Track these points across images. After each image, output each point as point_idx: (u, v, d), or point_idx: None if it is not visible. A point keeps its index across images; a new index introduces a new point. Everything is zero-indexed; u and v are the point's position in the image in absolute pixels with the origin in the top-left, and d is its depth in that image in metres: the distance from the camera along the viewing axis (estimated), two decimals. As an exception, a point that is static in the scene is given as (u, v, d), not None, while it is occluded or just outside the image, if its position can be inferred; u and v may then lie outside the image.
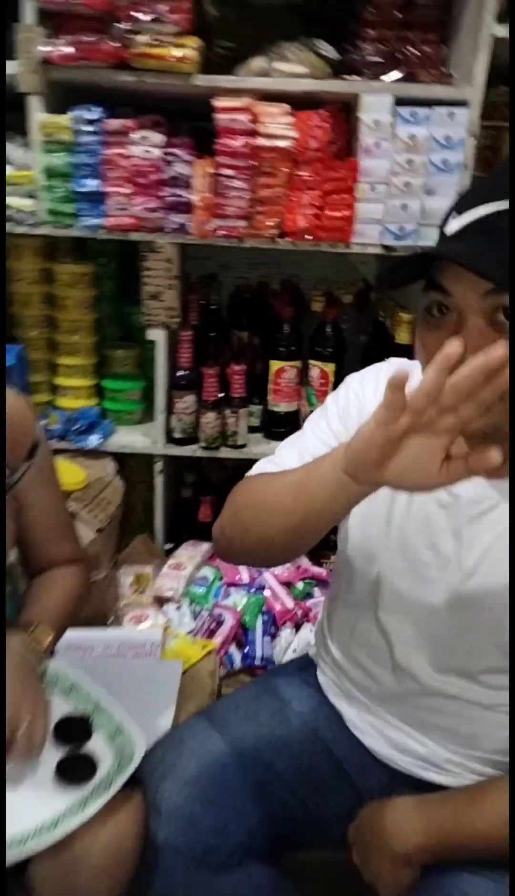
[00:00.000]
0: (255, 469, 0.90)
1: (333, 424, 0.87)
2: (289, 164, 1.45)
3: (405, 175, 1.47)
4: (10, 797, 0.78)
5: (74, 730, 0.88)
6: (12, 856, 0.73)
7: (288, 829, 0.92)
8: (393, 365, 0.90)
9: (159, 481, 1.73)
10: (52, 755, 0.84)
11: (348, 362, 1.66)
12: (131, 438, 1.74)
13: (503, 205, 0.63)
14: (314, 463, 0.70)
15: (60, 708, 0.90)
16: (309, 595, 1.55)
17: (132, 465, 1.78)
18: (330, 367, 1.63)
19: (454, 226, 0.66)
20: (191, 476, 1.93)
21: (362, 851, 0.85)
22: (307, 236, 1.51)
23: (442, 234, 0.69)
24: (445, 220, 0.69)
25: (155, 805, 0.84)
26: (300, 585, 1.55)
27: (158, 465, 1.72)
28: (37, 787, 0.80)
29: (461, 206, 0.67)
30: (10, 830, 0.74)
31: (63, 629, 0.98)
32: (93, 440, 1.69)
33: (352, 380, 0.91)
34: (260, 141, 1.42)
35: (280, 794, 0.91)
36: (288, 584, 1.55)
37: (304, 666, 1.04)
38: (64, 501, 1.09)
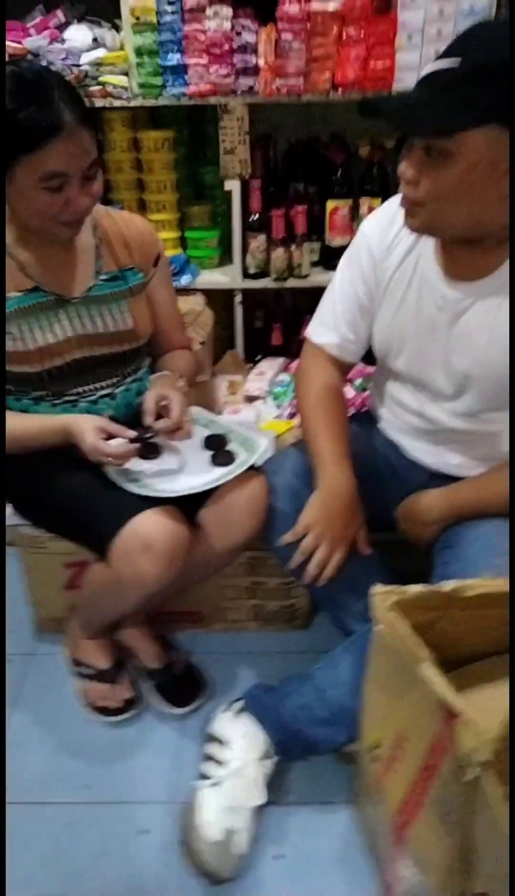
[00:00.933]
0: (310, 330, 1.31)
1: (348, 272, 1.23)
2: (338, 24, 1.74)
3: (437, 23, 1.74)
4: (186, 474, 1.25)
5: (216, 441, 1.34)
6: (194, 488, 1.21)
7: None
8: (394, 201, 1.17)
9: (239, 311, 2.14)
10: (205, 454, 1.30)
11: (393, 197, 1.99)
12: (213, 278, 2.14)
13: (445, 63, 0.89)
14: None
15: (203, 432, 1.36)
16: (364, 389, 1.98)
17: (215, 300, 2.19)
18: (377, 202, 1.97)
19: (438, 64, 0.91)
20: (260, 311, 2.34)
21: (405, 523, 1.29)
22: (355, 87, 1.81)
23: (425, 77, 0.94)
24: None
25: (272, 486, 1.30)
26: (358, 381, 1.98)
27: (238, 297, 2.12)
28: (200, 469, 1.27)
29: (449, 52, 0.93)
30: (191, 483, 1.22)
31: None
32: (184, 280, 2.10)
33: (364, 224, 1.23)
34: (314, 6, 1.70)
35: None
36: (349, 380, 1.98)
37: (366, 418, 1.46)
38: (177, 303, 1.49)
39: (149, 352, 1.41)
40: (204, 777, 1.17)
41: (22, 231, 1.19)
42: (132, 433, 1.18)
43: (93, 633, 1.39)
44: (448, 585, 0.97)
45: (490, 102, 0.87)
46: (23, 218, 1.15)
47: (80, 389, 1.28)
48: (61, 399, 1.26)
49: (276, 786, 1.20)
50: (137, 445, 1.18)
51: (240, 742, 1.18)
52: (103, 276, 1.27)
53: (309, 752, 1.23)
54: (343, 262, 1.27)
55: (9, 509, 1.42)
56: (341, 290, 1.27)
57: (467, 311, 1.12)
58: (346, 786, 1.24)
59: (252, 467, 1.28)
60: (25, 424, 1.22)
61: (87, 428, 1.14)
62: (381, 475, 1.36)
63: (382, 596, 0.96)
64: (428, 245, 1.15)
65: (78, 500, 1.22)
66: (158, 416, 1.23)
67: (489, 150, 0.90)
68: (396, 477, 1.36)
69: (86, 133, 1.07)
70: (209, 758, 1.19)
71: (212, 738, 1.22)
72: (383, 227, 1.20)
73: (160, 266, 1.37)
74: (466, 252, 1.08)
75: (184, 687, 1.40)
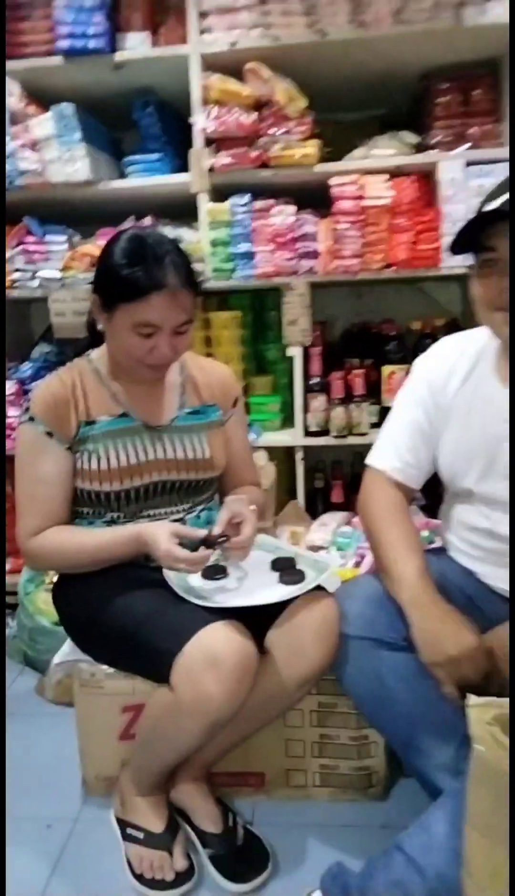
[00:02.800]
0: (371, 457, 1.33)
1: (405, 401, 1.29)
2: (389, 216, 1.99)
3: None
4: (255, 592, 1.20)
5: (284, 562, 1.31)
6: (265, 601, 1.15)
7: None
8: (442, 343, 1.30)
9: (300, 468, 2.20)
10: (272, 575, 1.27)
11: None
12: (277, 437, 2.23)
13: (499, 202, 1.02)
14: None
15: (270, 556, 1.33)
16: (431, 541, 1.92)
17: (276, 458, 2.26)
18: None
19: (492, 205, 1.09)
20: (320, 473, 2.40)
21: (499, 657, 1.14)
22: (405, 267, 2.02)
23: (482, 213, 1.06)
24: (482, 206, 1.11)
25: (343, 613, 1.24)
26: (425, 533, 1.93)
27: (299, 455, 2.19)
28: (268, 588, 1.23)
29: (493, 195, 1.09)
30: (261, 597, 1.17)
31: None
32: (250, 438, 2.19)
33: (417, 363, 1.32)
34: (367, 202, 1.97)
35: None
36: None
37: (436, 552, 1.41)
38: (250, 443, 1.56)
39: (220, 487, 1.45)
40: None
41: (114, 366, 1.31)
42: (204, 532, 1.17)
43: (147, 787, 1.25)
44: (552, 699, 0.86)
45: None
46: (115, 354, 1.27)
47: (153, 512, 1.30)
48: (134, 521, 1.28)
49: None
50: (211, 551, 1.17)
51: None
52: (186, 410, 1.36)
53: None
54: (400, 394, 1.33)
55: (68, 644, 1.37)
56: (400, 417, 1.31)
57: None
58: None
59: (322, 589, 1.23)
60: (96, 536, 1.24)
61: (161, 533, 1.15)
62: (460, 609, 1.28)
63: (479, 710, 0.85)
64: (486, 367, 1.21)
65: (138, 620, 1.18)
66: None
67: None
68: (475, 610, 1.27)
69: (186, 294, 1.21)
70: None
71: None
72: (439, 359, 1.28)
73: (238, 407, 1.47)
74: None
75: (245, 860, 1.21)
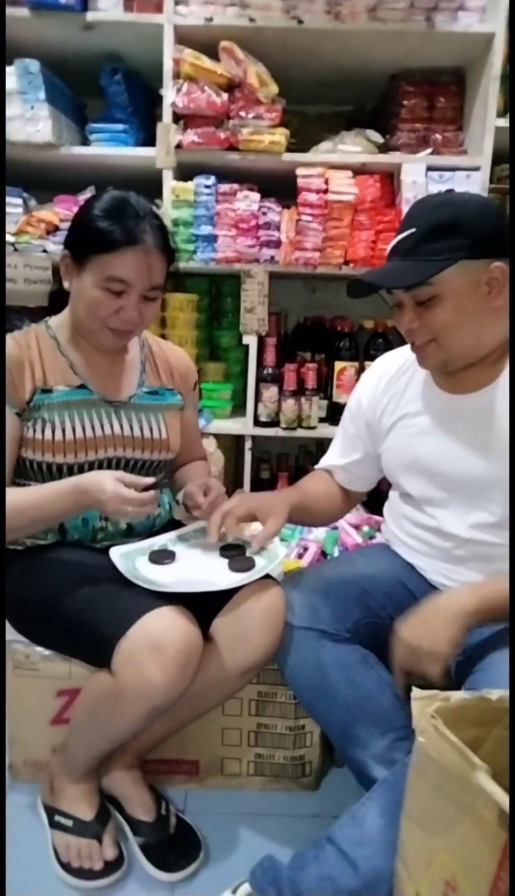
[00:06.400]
0: (322, 464, 1.45)
1: (348, 425, 1.39)
2: (351, 212, 2.00)
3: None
4: (203, 578, 1.19)
5: (233, 549, 1.29)
6: (212, 587, 1.14)
7: (378, 630, 1.30)
8: (384, 358, 1.39)
9: (248, 456, 2.18)
10: (221, 561, 1.25)
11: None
12: (226, 425, 2.21)
13: (405, 234, 1.08)
14: None
15: (219, 543, 1.32)
16: (371, 536, 1.95)
17: (224, 446, 2.24)
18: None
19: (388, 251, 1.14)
20: (266, 465, 2.40)
21: (417, 633, 1.07)
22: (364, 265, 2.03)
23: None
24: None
25: (289, 604, 1.24)
26: (365, 528, 1.95)
27: (248, 444, 2.18)
28: (217, 574, 1.22)
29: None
30: (209, 583, 1.16)
31: None
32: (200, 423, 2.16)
33: (361, 378, 1.40)
34: (331, 196, 1.97)
35: (373, 605, 1.30)
36: (357, 527, 1.96)
37: (381, 547, 1.44)
38: (198, 422, 1.56)
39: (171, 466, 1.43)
40: None
41: (75, 334, 1.27)
42: (150, 480, 1.13)
43: (78, 774, 1.21)
44: (494, 694, 0.88)
45: (451, 248, 1.06)
46: (78, 314, 1.22)
47: None
48: None
49: None
50: (159, 492, 1.16)
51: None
52: (145, 389, 1.33)
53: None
54: (345, 412, 1.43)
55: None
56: (341, 428, 1.43)
57: (467, 416, 1.18)
58: None
59: (270, 577, 1.22)
60: (28, 494, 1.16)
61: (105, 477, 1.10)
62: (402, 603, 1.30)
63: (422, 702, 0.86)
64: (420, 379, 1.27)
65: (82, 601, 1.14)
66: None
67: (466, 278, 1.07)
68: (415, 603, 1.29)
69: (160, 258, 1.18)
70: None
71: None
72: (379, 373, 1.35)
73: (194, 392, 1.47)
74: (465, 370, 1.18)
75: (176, 848, 1.20)
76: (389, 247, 1.14)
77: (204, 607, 1.16)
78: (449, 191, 1.27)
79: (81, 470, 1.22)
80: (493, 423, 1.15)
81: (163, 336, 2.25)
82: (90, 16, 1.94)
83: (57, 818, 1.20)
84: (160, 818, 1.22)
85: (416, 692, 0.88)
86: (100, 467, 1.24)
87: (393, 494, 1.41)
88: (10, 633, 1.29)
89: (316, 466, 1.49)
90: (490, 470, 1.15)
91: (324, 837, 1.04)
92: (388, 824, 0.98)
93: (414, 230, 1.08)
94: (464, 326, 1.10)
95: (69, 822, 1.19)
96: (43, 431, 1.20)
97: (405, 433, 1.28)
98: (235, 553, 1.28)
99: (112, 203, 1.17)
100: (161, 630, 1.04)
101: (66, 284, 1.23)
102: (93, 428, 1.24)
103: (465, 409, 1.19)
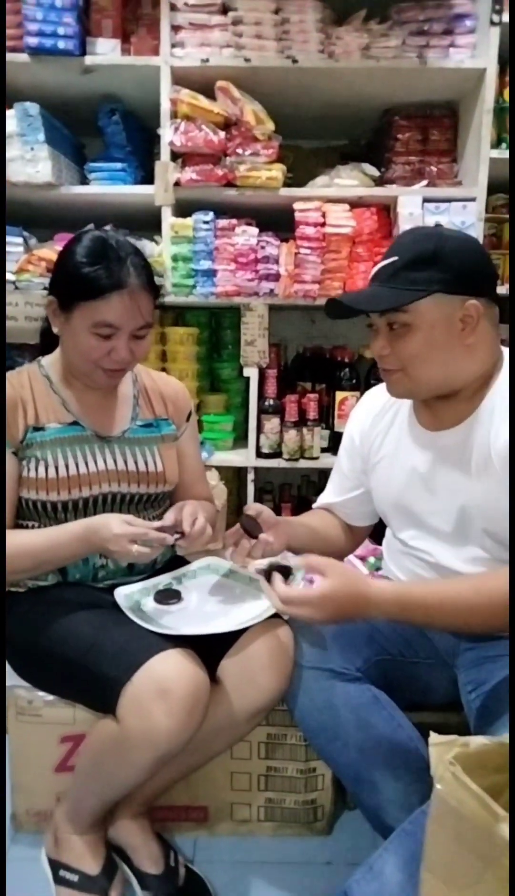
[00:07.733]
0: (319, 502, 1.45)
1: (344, 461, 1.38)
2: (349, 245, 2.01)
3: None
4: (210, 618, 1.16)
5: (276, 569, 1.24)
6: (220, 629, 1.12)
7: (389, 667, 1.27)
8: (371, 393, 1.38)
9: (251, 488, 2.17)
10: (230, 600, 1.23)
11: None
12: (228, 457, 2.20)
13: (388, 261, 1.09)
14: None
15: (227, 581, 1.30)
16: (378, 568, 1.93)
17: (227, 478, 2.23)
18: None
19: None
20: (269, 496, 2.38)
21: (338, 584, 1.04)
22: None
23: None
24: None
25: (297, 643, 1.22)
26: (371, 559, 1.93)
27: (251, 476, 2.16)
28: (225, 614, 1.19)
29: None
30: (217, 625, 1.13)
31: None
32: (202, 456, 2.15)
33: (352, 414, 1.40)
34: (329, 229, 1.99)
35: (382, 642, 1.27)
36: (363, 559, 1.93)
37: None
38: (202, 459, 1.53)
39: (172, 502, 1.40)
40: None
41: (67, 373, 1.26)
42: (157, 524, 1.15)
43: (84, 825, 1.18)
44: (514, 738, 0.85)
45: (428, 279, 1.06)
46: (69, 356, 1.22)
47: None
48: None
49: None
50: (166, 535, 1.14)
51: None
52: (139, 423, 1.32)
53: None
54: (340, 449, 1.42)
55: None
56: (337, 464, 1.42)
57: (445, 453, 1.16)
58: None
59: (278, 616, 1.20)
60: (38, 535, 1.17)
61: (112, 519, 1.11)
62: (411, 638, 1.28)
63: (440, 748, 0.83)
64: (403, 416, 1.27)
65: (85, 644, 1.11)
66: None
67: (440, 311, 1.07)
68: (427, 641, 1.28)
69: (146, 297, 1.18)
70: None
71: None
72: (367, 407, 1.35)
73: (190, 422, 1.43)
74: (443, 405, 1.17)
75: (186, 902, 1.15)
76: (372, 272, 1.14)
77: (211, 649, 1.13)
78: (438, 225, 1.28)
79: (77, 507, 1.21)
80: (471, 458, 1.13)
81: (163, 370, 2.25)
82: (89, 60, 1.98)
83: (62, 873, 1.16)
84: (168, 870, 1.18)
85: (434, 737, 0.85)
86: (96, 504, 1.23)
87: (389, 531, 1.39)
88: (13, 678, 1.26)
89: (314, 505, 1.47)
90: (473, 507, 1.13)
91: (341, 891, 1.00)
92: (407, 878, 0.94)
93: (396, 258, 1.09)
94: (433, 359, 1.09)
95: (75, 878, 1.15)
96: (36, 469, 1.20)
97: (388, 473, 1.27)
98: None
99: (93, 246, 1.16)
100: (167, 674, 1.01)
101: (55, 329, 1.23)
102: (86, 464, 1.23)
103: (443, 446, 1.17)
